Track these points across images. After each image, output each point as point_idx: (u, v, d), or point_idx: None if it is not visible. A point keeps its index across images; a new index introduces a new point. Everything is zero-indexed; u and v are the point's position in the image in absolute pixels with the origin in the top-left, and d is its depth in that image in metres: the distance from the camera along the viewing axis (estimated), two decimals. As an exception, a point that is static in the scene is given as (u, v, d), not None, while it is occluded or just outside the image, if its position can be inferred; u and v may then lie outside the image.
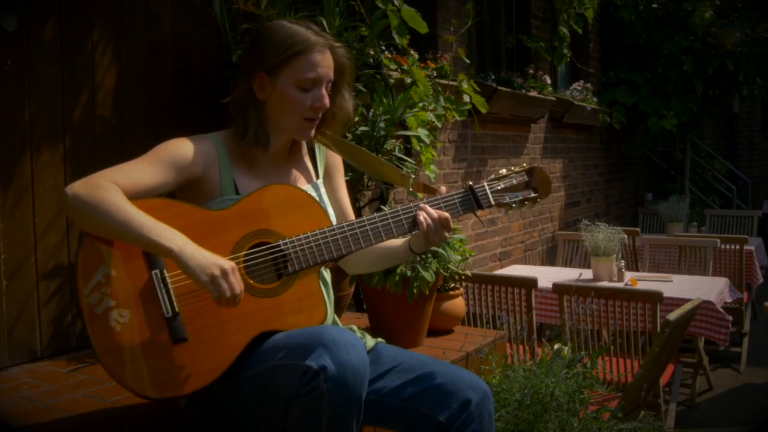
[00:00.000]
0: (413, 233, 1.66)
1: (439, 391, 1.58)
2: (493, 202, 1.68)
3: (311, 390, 1.34)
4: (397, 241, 1.74)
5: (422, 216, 1.62)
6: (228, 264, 1.42)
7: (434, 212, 1.62)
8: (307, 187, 1.75)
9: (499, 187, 1.70)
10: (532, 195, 1.72)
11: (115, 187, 1.46)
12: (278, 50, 1.60)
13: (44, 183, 2.20)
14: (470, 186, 1.68)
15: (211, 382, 1.48)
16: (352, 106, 1.77)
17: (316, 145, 1.84)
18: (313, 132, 1.70)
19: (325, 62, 1.63)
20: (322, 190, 1.79)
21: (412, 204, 1.65)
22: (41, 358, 2.22)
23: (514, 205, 1.70)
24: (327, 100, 1.65)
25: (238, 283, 1.43)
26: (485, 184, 1.69)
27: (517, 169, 1.73)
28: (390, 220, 1.63)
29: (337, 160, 1.87)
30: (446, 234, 1.63)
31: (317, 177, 1.81)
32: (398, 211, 1.64)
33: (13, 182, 2.12)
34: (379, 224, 1.63)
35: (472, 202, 1.67)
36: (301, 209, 1.61)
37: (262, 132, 1.65)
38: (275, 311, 1.54)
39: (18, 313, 2.15)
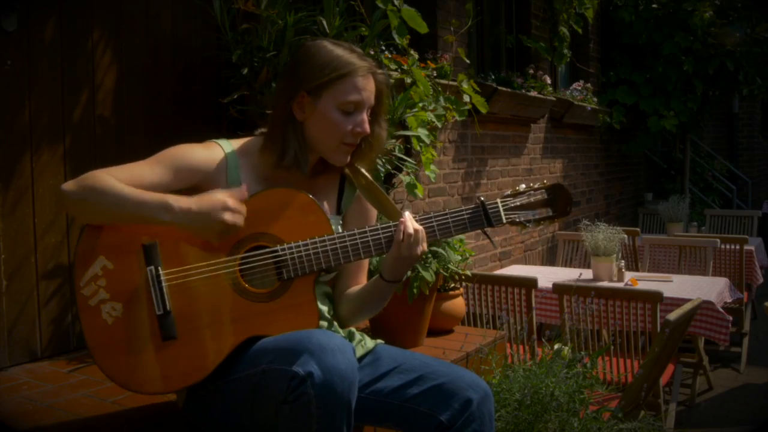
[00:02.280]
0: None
1: (440, 391, 1.58)
2: (505, 221, 1.60)
3: (298, 396, 1.33)
4: (372, 280, 1.68)
5: (402, 228, 1.55)
6: (223, 206, 1.46)
7: (413, 225, 1.55)
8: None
9: (513, 204, 1.62)
10: (550, 214, 1.62)
11: (107, 175, 1.48)
12: (323, 71, 1.56)
13: (44, 183, 2.20)
14: (482, 201, 1.60)
15: (196, 382, 1.48)
16: (385, 136, 1.71)
17: (347, 186, 1.76)
18: (348, 158, 1.65)
19: (368, 87, 1.60)
20: (340, 227, 1.72)
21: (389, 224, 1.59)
22: (41, 358, 2.22)
23: (528, 225, 1.61)
24: (368, 126, 1.61)
25: (241, 218, 1.48)
26: (498, 200, 1.61)
27: (537, 186, 1.64)
28: (393, 230, 1.58)
29: (366, 210, 1.78)
30: (418, 250, 1.56)
31: (336, 212, 1.74)
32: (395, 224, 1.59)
33: (13, 182, 2.12)
34: (381, 234, 1.58)
35: (482, 219, 1.60)
36: (302, 215, 1.57)
37: (302, 155, 1.61)
38: (267, 317, 1.52)
39: (18, 313, 2.15)
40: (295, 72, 1.61)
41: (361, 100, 1.59)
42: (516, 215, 1.61)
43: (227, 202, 1.46)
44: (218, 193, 1.48)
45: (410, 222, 1.57)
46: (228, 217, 1.46)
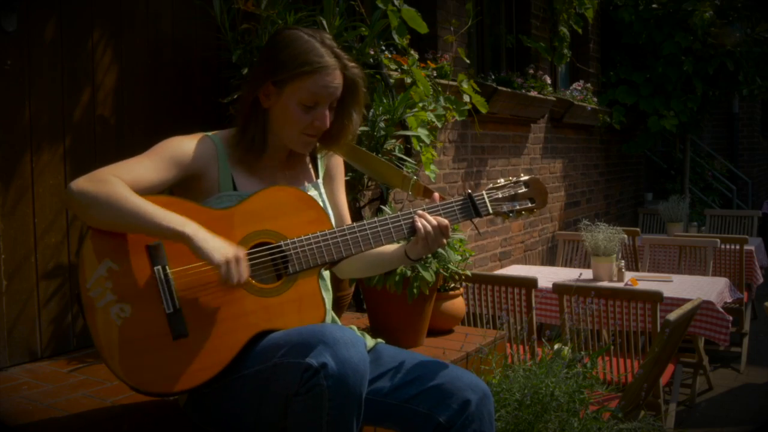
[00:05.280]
0: (410, 239, 1.68)
1: (438, 392, 1.59)
2: (491, 211, 1.71)
3: (311, 387, 1.34)
4: (391, 247, 1.75)
5: (420, 223, 1.63)
6: (241, 251, 1.48)
7: (433, 219, 1.63)
8: (307, 186, 1.76)
9: (497, 196, 1.73)
10: (529, 205, 1.75)
11: (119, 181, 1.48)
12: (289, 65, 1.59)
13: (44, 183, 2.20)
14: (469, 194, 1.70)
15: (209, 379, 1.48)
16: (358, 126, 1.75)
17: (317, 150, 1.83)
18: (310, 148, 1.71)
19: (332, 83, 1.62)
20: (322, 189, 1.80)
21: (411, 210, 1.66)
22: (41, 358, 2.22)
23: (511, 215, 1.74)
24: (327, 121, 1.65)
25: (246, 271, 1.48)
26: (484, 193, 1.72)
27: (514, 180, 1.75)
28: (390, 225, 1.64)
29: (338, 165, 1.87)
30: (444, 241, 1.65)
31: (317, 177, 1.81)
32: (398, 216, 1.65)
33: (13, 182, 2.13)
34: (379, 228, 1.64)
35: (470, 209, 1.69)
36: (303, 211, 1.62)
37: (260, 140, 1.65)
38: (275, 311, 1.55)
39: (18, 313, 2.15)
40: (265, 60, 1.64)
41: (322, 97, 1.62)
42: (500, 206, 1.73)
43: (239, 253, 1.47)
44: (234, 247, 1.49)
45: (428, 217, 1.64)
46: (240, 254, 1.46)
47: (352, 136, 1.76)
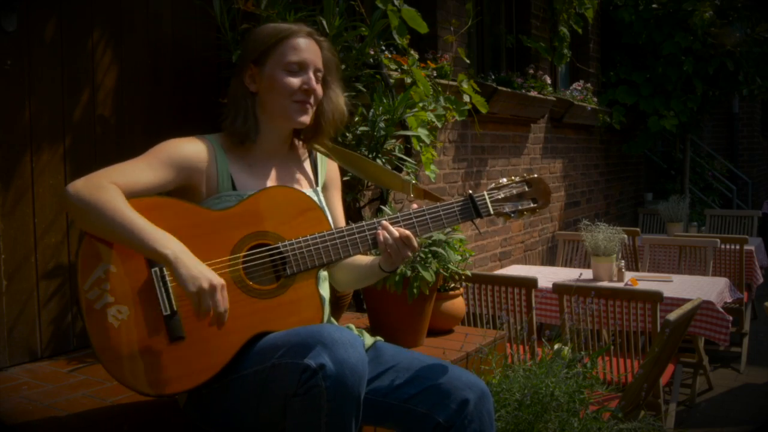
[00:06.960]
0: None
1: (436, 391, 1.59)
2: (492, 212, 1.69)
3: (310, 388, 1.34)
4: (367, 260, 1.75)
5: (382, 235, 1.60)
6: (218, 280, 1.43)
7: (395, 231, 1.60)
8: (308, 191, 1.75)
9: (499, 197, 1.70)
10: (532, 205, 1.72)
11: (116, 189, 1.47)
12: (264, 41, 1.67)
13: (44, 183, 2.20)
14: (470, 194, 1.68)
15: (206, 380, 1.48)
16: (344, 103, 1.78)
17: (318, 156, 1.84)
18: (306, 117, 1.69)
19: (309, 48, 1.68)
20: (322, 196, 1.80)
21: (375, 220, 1.63)
22: (41, 358, 2.22)
23: (513, 215, 1.71)
24: (314, 84, 1.68)
25: (223, 302, 1.43)
26: (485, 193, 1.70)
27: (517, 179, 1.73)
28: (357, 236, 1.63)
29: (336, 178, 1.88)
30: (409, 253, 1.61)
31: (317, 184, 1.81)
32: (363, 226, 1.63)
33: (13, 182, 2.13)
34: (347, 237, 1.63)
35: (471, 210, 1.67)
36: (301, 212, 1.62)
37: (253, 121, 1.67)
38: (272, 312, 1.55)
39: (18, 313, 2.15)
40: (243, 51, 1.71)
41: (303, 59, 1.66)
42: (501, 206, 1.70)
43: (216, 282, 1.42)
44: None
45: (390, 229, 1.61)
46: (216, 284, 1.42)
47: (342, 113, 1.77)
